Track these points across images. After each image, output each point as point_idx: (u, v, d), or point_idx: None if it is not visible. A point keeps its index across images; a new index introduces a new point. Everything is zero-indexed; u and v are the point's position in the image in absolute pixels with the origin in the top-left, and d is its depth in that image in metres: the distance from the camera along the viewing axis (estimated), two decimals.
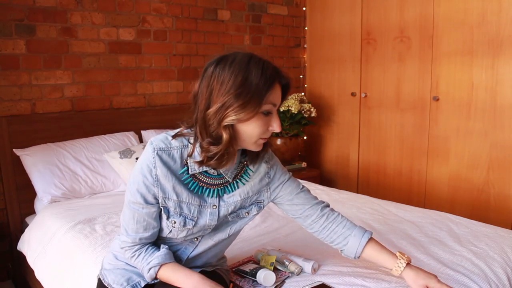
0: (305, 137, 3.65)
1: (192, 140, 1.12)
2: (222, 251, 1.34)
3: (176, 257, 1.21)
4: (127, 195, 1.16)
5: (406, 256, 1.24)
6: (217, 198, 1.18)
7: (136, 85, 2.88)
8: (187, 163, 1.13)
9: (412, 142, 3.03)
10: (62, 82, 2.58)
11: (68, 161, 2.36)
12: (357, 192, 3.26)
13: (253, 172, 1.22)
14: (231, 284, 1.34)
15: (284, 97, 1.13)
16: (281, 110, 3.14)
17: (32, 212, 2.39)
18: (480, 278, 1.39)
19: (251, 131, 1.07)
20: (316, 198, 1.32)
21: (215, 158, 1.07)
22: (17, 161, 2.35)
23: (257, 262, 1.48)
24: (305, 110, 3.23)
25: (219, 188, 1.18)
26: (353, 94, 3.39)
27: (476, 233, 1.79)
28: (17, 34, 2.40)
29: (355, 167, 3.44)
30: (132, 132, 2.73)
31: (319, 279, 1.37)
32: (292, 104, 3.14)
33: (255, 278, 1.36)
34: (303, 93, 3.51)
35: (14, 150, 2.35)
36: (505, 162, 2.56)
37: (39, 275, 1.90)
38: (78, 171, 2.36)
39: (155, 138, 1.12)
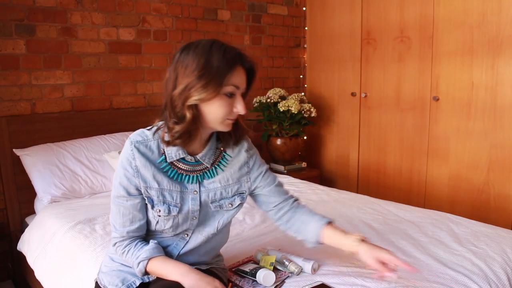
0: (305, 137, 3.66)
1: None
2: (215, 248, 1.35)
3: (167, 253, 1.24)
4: (112, 191, 1.21)
5: (361, 234, 1.27)
6: (197, 184, 1.23)
7: (136, 85, 2.89)
8: (164, 152, 1.18)
9: (412, 142, 3.03)
10: (62, 82, 2.58)
11: (68, 161, 2.36)
12: (357, 192, 3.26)
13: (231, 157, 1.26)
14: (230, 284, 1.34)
15: (250, 81, 1.18)
16: (281, 110, 3.14)
17: (32, 212, 2.39)
18: (480, 278, 1.39)
19: (215, 112, 1.12)
20: (288, 192, 1.37)
21: (179, 136, 1.12)
22: (17, 161, 2.35)
23: (256, 262, 1.48)
24: (305, 110, 3.23)
25: (198, 175, 1.22)
26: (353, 94, 3.39)
27: (476, 233, 1.79)
28: (17, 34, 2.40)
29: (355, 167, 3.44)
30: (132, 132, 2.72)
31: (319, 279, 1.37)
32: (292, 104, 3.14)
33: (255, 278, 1.36)
34: (303, 93, 3.51)
35: (14, 150, 2.35)
36: (505, 162, 2.56)
37: (39, 275, 1.90)
38: (78, 171, 2.36)
39: (132, 134, 1.20)
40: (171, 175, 1.19)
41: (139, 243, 1.21)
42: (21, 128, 2.40)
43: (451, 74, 2.75)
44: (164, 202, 1.19)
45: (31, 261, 1.99)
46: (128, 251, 1.20)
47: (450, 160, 2.82)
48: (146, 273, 1.19)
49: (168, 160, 1.18)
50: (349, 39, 3.37)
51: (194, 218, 1.24)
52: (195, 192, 1.22)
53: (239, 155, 1.28)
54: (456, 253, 1.59)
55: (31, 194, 2.34)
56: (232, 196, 1.27)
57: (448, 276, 1.40)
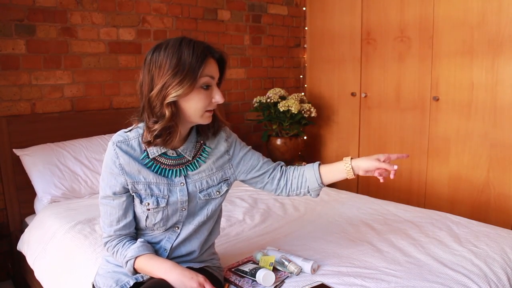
0: (305, 137, 3.65)
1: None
2: (207, 241, 1.36)
3: (161, 248, 1.27)
4: (99, 194, 1.25)
5: (347, 157, 1.33)
6: (183, 177, 1.26)
7: (136, 85, 2.88)
8: (146, 149, 1.22)
9: (412, 142, 3.03)
10: (62, 82, 2.58)
11: (68, 161, 2.36)
12: (357, 192, 3.26)
13: (211, 149, 1.30)
14: (227, 284, 1.34)
15: (222, 71, 1.24)
16: (281, 110, 3.14)
17: (32, 212, 2.39)
18: (480, 278, 1.39)
19: (194, 105, 1.17)
20: (273, 162, 1.42)
21: (159, 134, 1.16)
22: (17, 161, 2.35)
23: (256, 262, 1.48)
24: (305, 110, 3.23)
25: (181, 168, 1.26)
26: (353, 94, 3.39)
27: (476, 233, 1.79)
28: (17, 34, 2.40)
29: None
30: None
31: (318, 279, 1.37)
32: (292, 104, 3.13)
33: (255, 278, 1.36)
34: (303, 93, 3.51)
35: (14, 150, 2.35)
36: (505, 162, 2.56)
37: (39, 275, 1.90)
38: (78, 171, 2.36)
39: (113, 136, 1.25)
40: (155, 170, 1.23)
41: (127, 242, 1.24)
42: (21, 128, 2.40)
43: (451, 74, 2.75)
44: (152, 195, 1.22)
45: (31, 261, 1.99)
46: (117, 251, 1.23)
47: (450, 160, 2.82)
48: (135, 271, 1.22)
49: (151, 156, 1.23)
50: (349, 39, 3.37)
51: (184, 209, 1.27)
52: (182, 184, 1.26)
53: (219, 146, 1.32)
54: (456, 253, 1.59)
55: (31, 194, 2.34)
56: (218, 184, 1.32)
57: (448, 276, 1.40)
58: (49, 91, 2.55)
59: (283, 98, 3.29)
